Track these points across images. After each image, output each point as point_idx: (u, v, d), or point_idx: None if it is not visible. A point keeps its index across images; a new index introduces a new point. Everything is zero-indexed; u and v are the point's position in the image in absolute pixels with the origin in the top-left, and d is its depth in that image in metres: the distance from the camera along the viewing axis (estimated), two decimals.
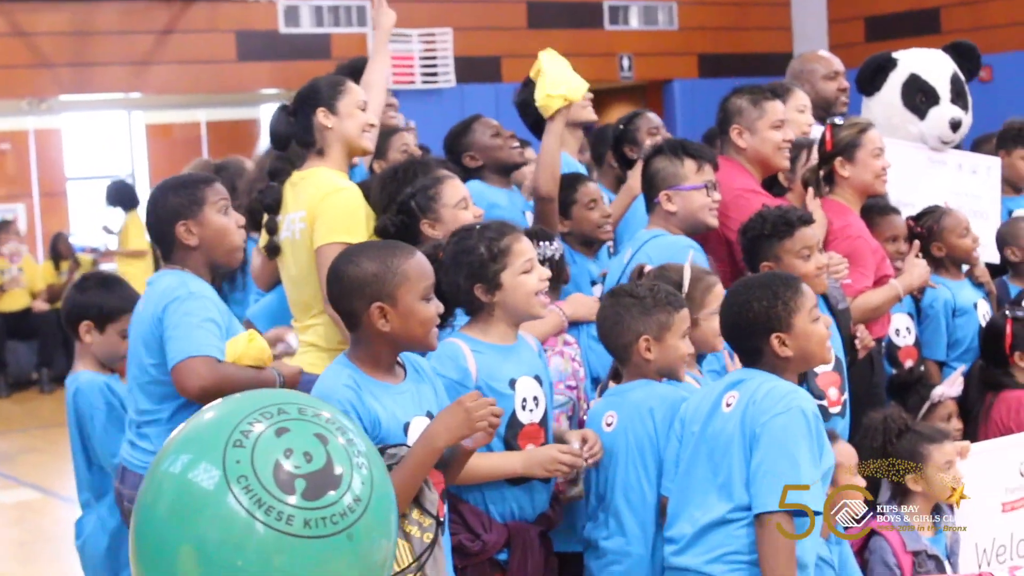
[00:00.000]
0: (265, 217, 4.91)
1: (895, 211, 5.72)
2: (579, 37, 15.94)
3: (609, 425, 4.07)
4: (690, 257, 4.47)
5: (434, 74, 15.12)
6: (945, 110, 6.32)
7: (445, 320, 4.04)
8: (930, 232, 5.84)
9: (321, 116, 4.92)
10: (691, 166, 4.94)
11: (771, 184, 5.70)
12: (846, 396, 4.82)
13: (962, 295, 5.79)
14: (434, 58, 15.13)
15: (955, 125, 6.32)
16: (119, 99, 15.23)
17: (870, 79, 6.40)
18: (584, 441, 4.03)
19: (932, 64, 6.42)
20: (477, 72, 15.33)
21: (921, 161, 6.41)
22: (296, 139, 4.96)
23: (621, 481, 4.01)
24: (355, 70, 5.91)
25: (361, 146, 4.90)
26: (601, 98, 5.82)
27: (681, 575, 3.78)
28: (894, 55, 6.46)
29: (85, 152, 17.89)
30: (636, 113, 6.52)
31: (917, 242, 5.58)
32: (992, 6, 15.69)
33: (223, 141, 16.59)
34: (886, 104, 6.38)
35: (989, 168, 6.55)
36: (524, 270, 3.96)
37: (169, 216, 4.13)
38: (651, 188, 5.01)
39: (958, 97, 6.39)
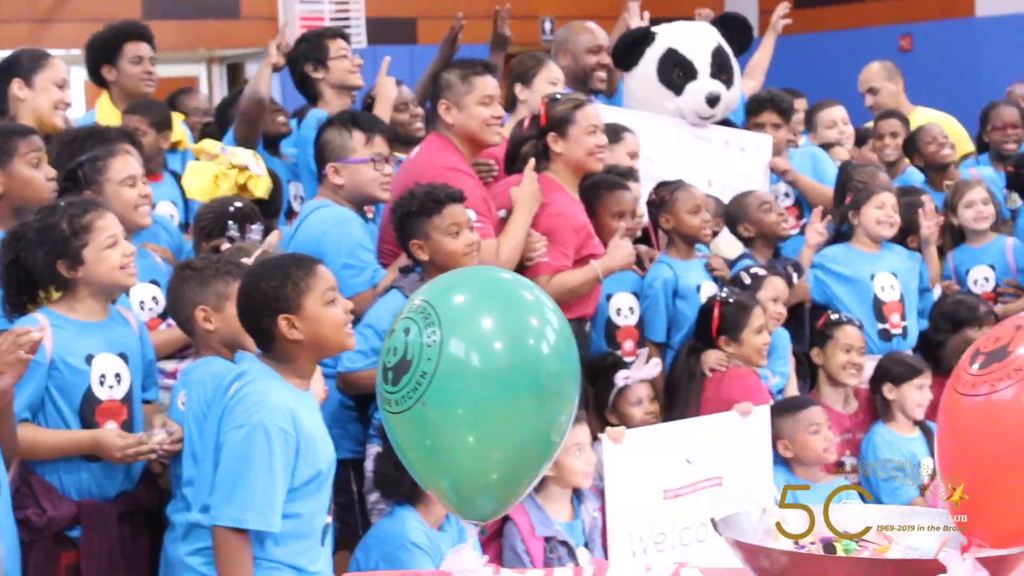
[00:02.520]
0: None
1: (623, 187, 5.52)
2: None
3: (184, 404, 4.00)
4: (271, 241, 4.48)
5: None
6: (703, 85, 6.16)
7: (34, 297, 3.99)
8: (662, 203, 5.65)
9: (15, 87, 5.06)
10: (360, 138, 4.87)
11: None
12: None
13: (688, 276, 5.57)
14: (347, 19, 14.94)
15: (712, 100, 6.15)
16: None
17: (626, 54, 6.22)
18: (164, 427, 3.95)
19: (692, 38, 6.25)
20: (391, 34, 15.12)
21: (685, 138, 6.25)
22: None
23: (186, 459, 3.90)
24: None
25: (52, 122, 4.96)
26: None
27: (171, 565, 3.79)
28: (653, 29, 6.29)
29: None
30: None
31: (623, 224, 5.36)
32: None
33: None
34: (643, 79, 6.21)
35: (759, 146, 6.38)
36: (107, 245, 3.93)
37: None
38: (320, 159, 4.94)
39: (720, 71, 6.21)
